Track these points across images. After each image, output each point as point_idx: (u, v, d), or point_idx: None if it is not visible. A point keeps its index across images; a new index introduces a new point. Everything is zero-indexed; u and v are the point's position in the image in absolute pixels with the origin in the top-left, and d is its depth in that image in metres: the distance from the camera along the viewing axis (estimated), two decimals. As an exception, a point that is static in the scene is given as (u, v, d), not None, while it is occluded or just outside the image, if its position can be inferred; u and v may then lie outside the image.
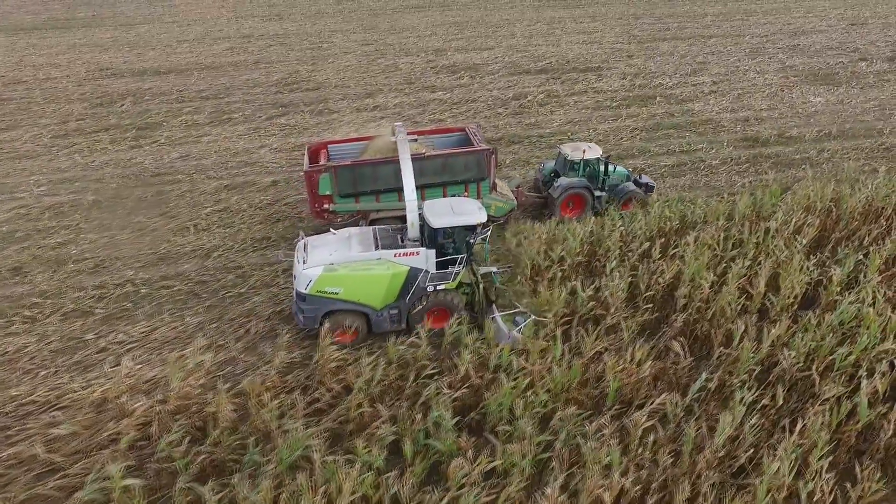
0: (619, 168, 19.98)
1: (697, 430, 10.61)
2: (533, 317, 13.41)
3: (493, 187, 18.39)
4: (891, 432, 10.49)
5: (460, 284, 14.26)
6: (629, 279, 14.68)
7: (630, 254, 15.43)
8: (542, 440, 10.24)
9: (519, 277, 14.95)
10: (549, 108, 29.28)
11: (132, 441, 11.00)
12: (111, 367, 12.76)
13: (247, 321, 14.84)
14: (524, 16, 51.32)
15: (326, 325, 12.92)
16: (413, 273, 13.59)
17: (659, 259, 15.11)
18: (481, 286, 14.33)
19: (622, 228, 16.54)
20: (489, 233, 16.29)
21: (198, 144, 25.69)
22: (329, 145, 18.76)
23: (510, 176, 21.83)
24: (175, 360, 12.05)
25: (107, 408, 11.79)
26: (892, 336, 12.29)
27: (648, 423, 10.39)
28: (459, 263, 13.81)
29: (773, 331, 12.10)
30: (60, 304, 15.59)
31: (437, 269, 13.72)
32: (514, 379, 11.37)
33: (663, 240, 16.50)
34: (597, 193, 19.03)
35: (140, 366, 12.80)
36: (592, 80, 33.40)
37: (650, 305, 13.97)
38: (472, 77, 34.30)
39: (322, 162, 17.53)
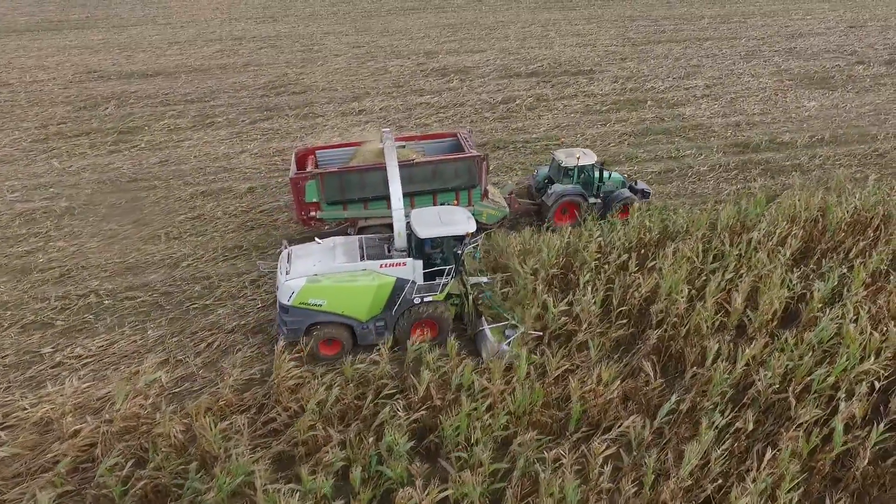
0: (614, 174, 19.49)
1: (664, 456, 10.13)
2: (523, 330, 13.00)
3: (485, 194, 17.97)
4: (867, 460, 9.97)
5: (449, 295, 13.82)
6: (605, 293, 14.21)
7: (607, 266, 14.90)
8: (499, 468, 9.76)
9: (508, 288, 14.47)
10: (537, 113, 28.78)
11: (75, 464, 10.58)
12: (57, 386, 12.28)
13: (210, 334, 14.40)
14: (519, 17, 50.82)
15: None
16: (400, 284, 13.20)
17: (636, 272, 14.60)
18: (471, 297, 13.87)
19: (600, 239, 16.03)
20: (479, 242, 15.86)
21: (178, 149, 25.28)
22: (317, 151, 18.36)
23: (503, 182, 21.35)
24: (123, 378, 11.59)
25: (52, 428, 11.36)
26: (873, 356, 11.76)
27: (611, 451, 9.89)
28: (447, 275, 13.40)
29: (747, 350, 11.57)
30: (20, 316, 15.17)
31: (424, 281, 13.33)
32: (475, 400, 10.89)
33: (644, 250, 16.05)
34: (591, 200, 18.57)
35: (88, 384, 12.35)
36: (583, 84, 32.89)
37: (624, 321, 13.47)
38: (462, 80, 33.83)
39: (309, 168, 17.09)
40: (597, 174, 18.81)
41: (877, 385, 11.45)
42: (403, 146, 16.96)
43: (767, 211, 16.97)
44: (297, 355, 12.62)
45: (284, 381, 11.91)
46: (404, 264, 13.18)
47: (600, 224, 16.94)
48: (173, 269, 17.09)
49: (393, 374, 12.22)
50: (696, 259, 14.93)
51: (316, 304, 12.94)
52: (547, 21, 49.34)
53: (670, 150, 24.75)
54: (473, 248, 15.60)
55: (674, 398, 10.96)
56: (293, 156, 18.01)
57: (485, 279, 14.66)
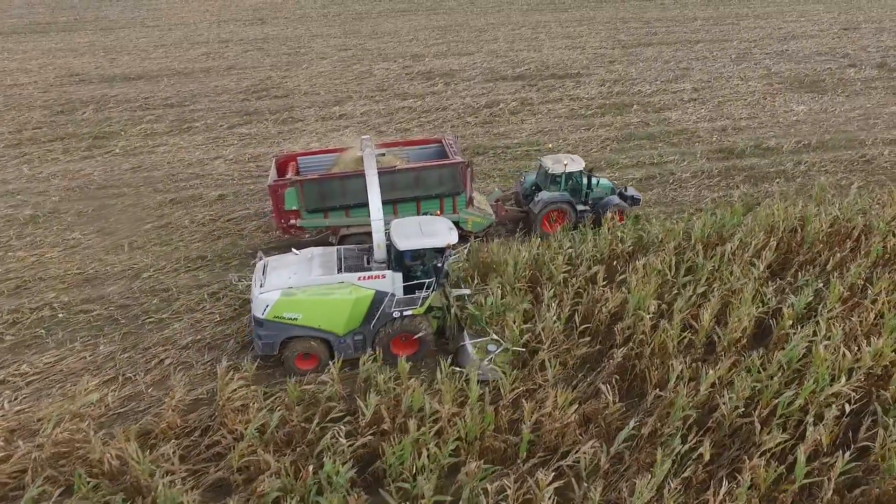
0: (602, 180, 19.01)
1: (619, 485, 9.62)
2: (505, 345, 12.50)
3: (470, 201, 17.52)
4: (831, 491, 9.45)
5: (431, 308, 13.37)
6: (572, 308, 13.70)
7: (574, 280, 14.38)
8: (442, 500, 9.26)
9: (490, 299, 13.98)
10: (520, 117, 28.28)
11: (4, 492, 10.09)
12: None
13: (162, 350, 13.92)
14: (510, 19, 50.33)
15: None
16: (378, 297, 12.77)
17: (604, 285, 14.08)
18: (453, 310, 13.38)
19: (570, 251, 15.53)
20: (466, 252, 15.36)
21: (152, 155, 24.82)
22: (299, 157, 17.94)
23: (490, 189, 20.86)
24: (57, 400, 11.10)
25: (-17, 453, 10.88)
26: (844, 377, 11.23)
27: (561, 482, 9.38)
28: (428, 288, 12.95)
29: (710, 372, 11.06)
30: (-30, 331, 14.72)
31: (405, 294, 12.89)
32: (422, 426, 10.38)
33: (616, 262, 15.55)
34: (580, 208, 18.08)
35: (28, 404, 11.87)
36: (570, 87, 32.37)
37: (588, 339, 12.96)
38: (447, 84, 33.34)
39: (289, 175, 16.65)
40: (585, 181, 18.32)
41: (847, 408, 10.92)
42: (384, 154, 16.52)
43: (744, 221, 16.43)
44: (246, 374, 12.17)
45: (230, 402, 11.42)
46: (383, 277, 12.74)
47: (571, 235, 16.43)
48: (133, 280, 16.61)
49: (345, 395, 11.74)
50: (668, 272, 14.41)
51: (291, 318, 12.58)
52: (538, 23, 48.84)
53: (653, 155, 24.24)
54: (457, 258, 15.14)
55: (632, 423, 10.44)
56: (273, 163, 17.58)
57: (467, 291, 14.18)
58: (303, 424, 11.08)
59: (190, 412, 11.94)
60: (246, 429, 10.34)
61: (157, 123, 28.21)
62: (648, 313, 12.68)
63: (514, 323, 12.58)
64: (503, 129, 27.13)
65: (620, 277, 14.48)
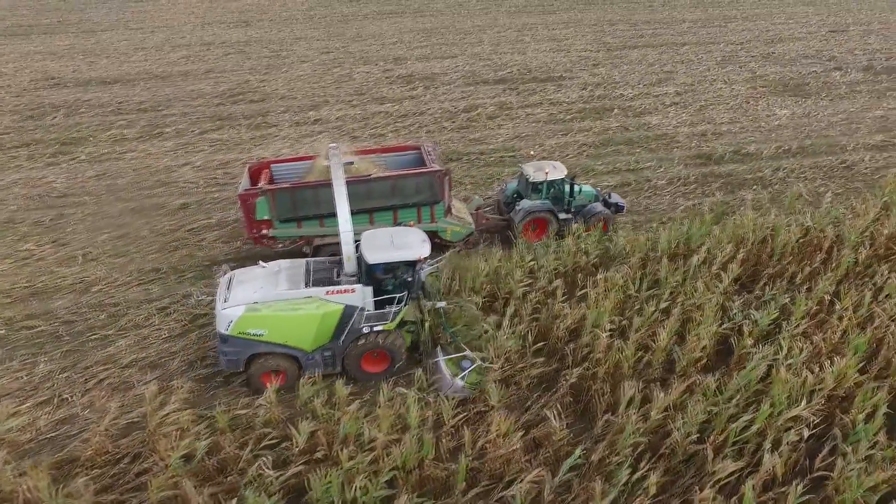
0: (585, 188, 18.53)
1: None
2: (479, 362, 12.01)
3: (449, 210, 17.03)
4: (783, 527, 8.95)
5: (404, 323, 12.86)
6: (530, 324, 13.18)
7: (533, 294, 13.87)
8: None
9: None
10: (497, 122, 27.78)
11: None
12: None
13: (103, 369, 13.36)
14: (497, 22, 49.86)
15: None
16: (348, 312, 12.28)
17: (563, 301, 13.56)
18: (427, 325, 12.87)
19: (532, 263, 15.01)
20: (443, 263, 14.85)
21: (118, 161, 24.27)
22: (272, 165, 17.38)
23: (470, 197, 20.34)
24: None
25: None
26: (804, 399, 10.71)
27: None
28: (399, 302, 12.46)
29: (661, 396, 10.53)
30: None
31: (376, 308, 12.39)
32: (360, 452, 9.85)
33: (581, 275, 15.01)
34: (562, 216, 17.60)
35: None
36: (551, 91, 31.89)
37: (542, 358, 12.43)
38: (427, 87, 32.84)
39: (262, 183, 16.13)
40: (567, 188, 17.85)
41: (806, 433, 10.41)
42: (352, 162, 15.99)
43: (712, 231, 15.90)
44: (186, 395, 11.64)
45: (161, 426, 10.88)
46: (353, 291, 12.24)
47: (534, 247, 15.91)
48: (82, 294, 16.06)
49: (283, 420, 11.20)
50: (630, 287, 13.90)
51: (256, 334, 12.08)
52: (524, 25, 48.38)
53: (629, 161, 23.74)
54: (435, 269, 14.64)
55: (578, 451, 9.91)
56: (246, 171, 17.06)
57: (443, 304, 13.66)
58: (237, 451, 10.55)
59: (122, 437, 11.39)
60: (170, 458, 9.78)
61: (128, 129, 27.66)
62: (605, 331, 12.15)
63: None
64: (479, 134, 26.63)
65: (581, 292, 13.97)
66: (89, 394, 12.72)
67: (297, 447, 10.13)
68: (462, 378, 11.92)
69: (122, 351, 13.94)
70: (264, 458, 9.73)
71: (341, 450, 10.07)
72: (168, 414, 11.05)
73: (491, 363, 12.00)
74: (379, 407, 10.66)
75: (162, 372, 13.27)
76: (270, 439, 10.52)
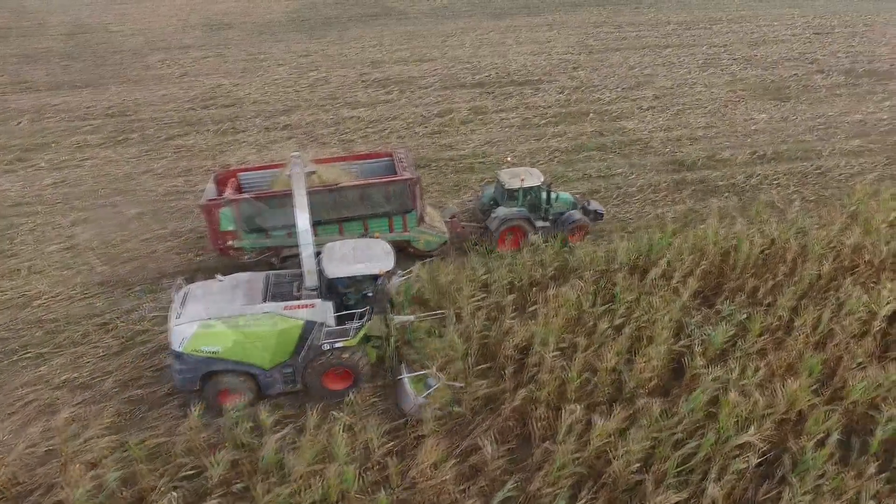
0: (562, 195, 18.05)
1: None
2: (443, 381, 11.50)
3: (422, 219, 16.50)
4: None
5: (368, 338, 12.33)
6: (480, 342, 12.64)
7: (482, 310, 13.32)
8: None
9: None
10: (470, 127, 27.24)
11: None
12: None
13: (31, 391, 12.79)
14: (480, 24, 49.27)
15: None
16: (308, 328, 11.79)
17: (513, 317, 13.02)
18: (393, 340, 12.34)
19: (485, 276, 14.48)
20: (413, 275, 14.31)
21: (78, 169, 23.67)
22: (239, 173, 16.83)
23: (445, 205, 19.79)
24: None
25: None
26: (754, 425, 10.18)
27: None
28: (361, 317, 11.94)
29: (601, 422, 10.00)
30: None
31: (338, 323, 11.86)
32: (280, 484, 9.29)
33: (536, 289, 14.47)
34: (539, 224, 17.09)
35: None
36: (528, 95, 31.34)
37: (488, 379, 11.89)
38: (402, 91, 32.28)
39: (228, 193, 15.58)
40: (544, 195, 17.33)
41: (754, 461, 9.88)
42: (314, 172, 15.44)
43: (673, 243, 15.37)
44: (108, 420, 11.09)
45: (79, 454, 10.31)
46: (313, 306, 11.72)
47: (487, 259, 15.38)
48: (21, 309, 15.47)
49: (205, 447, 10.63)
50: (583, 303, 13.36)
51: (211, 352, 11.57)
52: (508, 28, 47.80)
53: (601, 168, 23.22)
54: (406, 280, 14.11)
55: (510, 482, 9.37)
56: (211, 179, 16.52)
57: (411, 318, 13.12)
58: (154, 483, 9.99)
59: (40, 465, 10.85)
60: (75, 492, 9.21)
61: (93, 134, 27.05)
62: (550, 351, 11.62)
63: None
64: (451, 139, 26.09)
65: (532, 308, 13.44)
66: (13, 417, 12.17)
67: (212, 480, 9.57)
68: (426, 397, 11.40)
69: (55, 370, 13.38)
70: (172, 494, 9.15)
71: (260, 481, 9.54)
72: (86, 441, 10.50)
73: (455, 380, 11.51)
74: (305, 434, 10.10)
75: (92, 393, 12.71)
76: (189, 469, 9.95)
